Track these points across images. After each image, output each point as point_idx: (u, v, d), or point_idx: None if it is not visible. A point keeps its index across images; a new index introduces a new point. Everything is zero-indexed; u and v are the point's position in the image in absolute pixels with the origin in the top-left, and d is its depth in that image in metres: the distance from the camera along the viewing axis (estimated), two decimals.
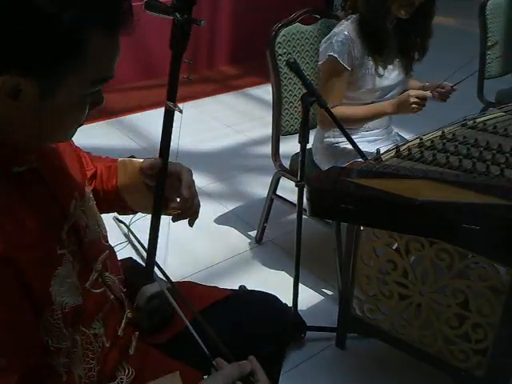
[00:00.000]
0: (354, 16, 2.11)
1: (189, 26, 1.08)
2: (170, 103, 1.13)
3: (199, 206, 1.24)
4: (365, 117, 2.15)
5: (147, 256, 1.20)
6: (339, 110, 2.01)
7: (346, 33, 2.07)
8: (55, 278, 0.94)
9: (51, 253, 0.95)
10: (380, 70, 2.12)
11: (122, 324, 1.15)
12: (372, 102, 2.18)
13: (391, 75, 2.17)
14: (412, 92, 2.02)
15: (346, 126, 2.10)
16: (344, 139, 2.20)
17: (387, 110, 2.10)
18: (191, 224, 1.25)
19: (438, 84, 2.16)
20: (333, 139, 2.27)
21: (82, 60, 0.82)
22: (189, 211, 1.21)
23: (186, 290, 1.27)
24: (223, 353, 1.04)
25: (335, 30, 2.11)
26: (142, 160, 1.24)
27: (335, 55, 2.07)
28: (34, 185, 0.95)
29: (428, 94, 2.02)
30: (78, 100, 0.87)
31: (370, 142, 2.22)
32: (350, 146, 2.16)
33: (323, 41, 2.15)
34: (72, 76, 0.82)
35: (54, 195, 0.99)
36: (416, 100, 1.99)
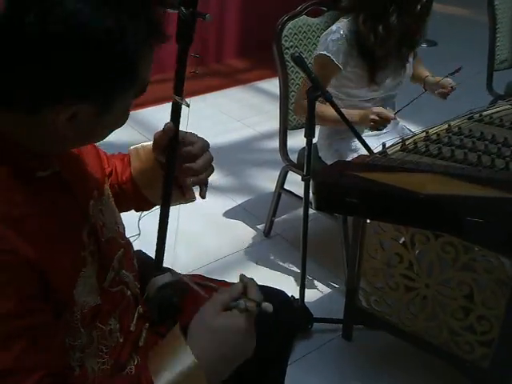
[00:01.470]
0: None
1: (194, 20, 1.09)
2: (177, 97, 1.14)
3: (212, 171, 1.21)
4: (333, 119, 2.03)
5: (157, 246, 1.21)
6: (318, 108, 2.00)
7: (341, 32, 2.05)
8: (80, 279, 0.96)
9: (76, 256, 0.97)
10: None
11: (134, 319, 1.17)
12: (371, 99, 2.19)
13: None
14: (375, 109, 2.03)
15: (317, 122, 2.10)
16: (348, 135, 2.22)
17: (354, 119, 2.05)
18: (203, 195, 1.20)
19: (440, 83, 2.17)
20: (337, 136, 2.28)
21: (135, 77, 0.86)
22: (204, 173, 1.18)
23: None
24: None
25: (333, 27, 2.10)
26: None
27: (328, 54, 2.06)
28: (56, 188, 0.97)
29: (391, 116, 2.02)
30: (126, 109, 0.93)
31: (376, 135, 2.23)
32: (354, 142, 2.18)
33: (322, 35, 2.15)
34: (126, 93, 0.87)
35: (74, 197, 1.00)
36: (375, 118, 2.01)
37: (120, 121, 0.94)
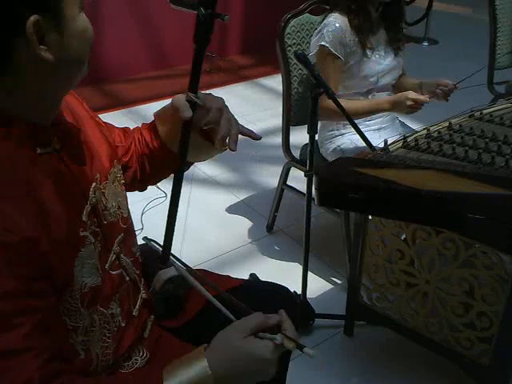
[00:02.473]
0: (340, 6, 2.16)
1: (212, 21, 1.11)
2: (192, 94, 1.16)
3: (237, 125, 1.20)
4: (361, 111, 2.17)
5: (164, 240, 1.21)
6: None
7: (336, 24, 2.11)
8: (78, 259, 0.98)
9: (74, 235, 0.98)
10: (369, 55, 2.16)
11: (137, 304, 1.18)
12: (368, 90, 2.21)
13: (384, 61, 2.21)
14: (410, 95, 2.05)
15: (340, 119, 2.14)
16: (348, 131, 2.24)
17: (384, 106, 2.13)
18: (234, 147, 1.19)
19: (438, 81, 2.17)
20: (337, 131, 2.30)
21: None
22: (231, 132, 1.18)
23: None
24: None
25: (325, 21, 2.15)
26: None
27: (327, 45, 2.11)
28: (58, 167, 0.98)
29: (425, 99, 2.05)
30: (82, 21, 0.93)
31: (374, 131, 2.25)
32: (354, 137, 2.20)
33: (314, 33, 2.19)
34: None
35: (75, 178, 1.02)
36: (412, 103, 2.04)
37: (83, 34, 0.93)
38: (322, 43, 2.12)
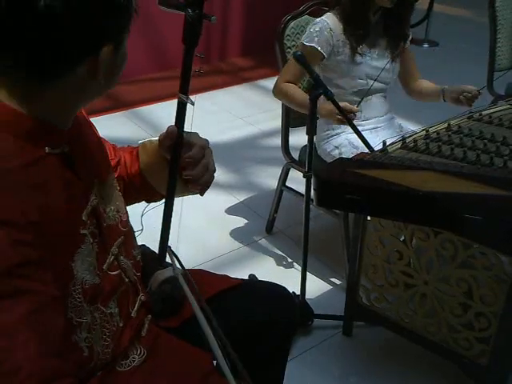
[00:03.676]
0: (338, 7, 2.17)
1: (200, 22, 1.12)
2: (183, 96, 1.16)
3: (213, 173, 1.24)
4: (298, 102, 2.14)
5: (160, 241, 1.23)
6: (288, 86, 2.13)
7: (325, 23, 2.13)
8: (78, 254, 0.99)
9: (75, 230, 1.00)
10: (359, 59, 2.16)
11: (136, 306, 1.19)
12: (359, 91, 2.20)
13: (377, 63, 2.20)
14: (342, 104, 1.92)
15: (290, 105, 2.23)
16: (343, 130, 2.24)
17: (321, 112, 2.00)
18: (202, 193, 1.24)
19: (463, 88, 2.13)
20: (332, 131, 2.29)
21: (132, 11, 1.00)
22: (202, 178, 1.21)
23: (197, 278, 1.30)
24: (224, 344, 1.02)
25: (317, 19, 2.17)
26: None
27: (312, 44, 2.12)
28: (62, 168, 1.00)
29: (355, 109, 1.97)
30: (125, 49, 1.01)
31: (370, 130, 2.24)
32: (350, 137, 2.20)
33: (308, 27, 2.21)
34: (128, 27, 0.98)
35: (78, 180, 1.04)
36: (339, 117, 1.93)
37: (124, 60, 1.01)
38: (307, 42, 2.13)
